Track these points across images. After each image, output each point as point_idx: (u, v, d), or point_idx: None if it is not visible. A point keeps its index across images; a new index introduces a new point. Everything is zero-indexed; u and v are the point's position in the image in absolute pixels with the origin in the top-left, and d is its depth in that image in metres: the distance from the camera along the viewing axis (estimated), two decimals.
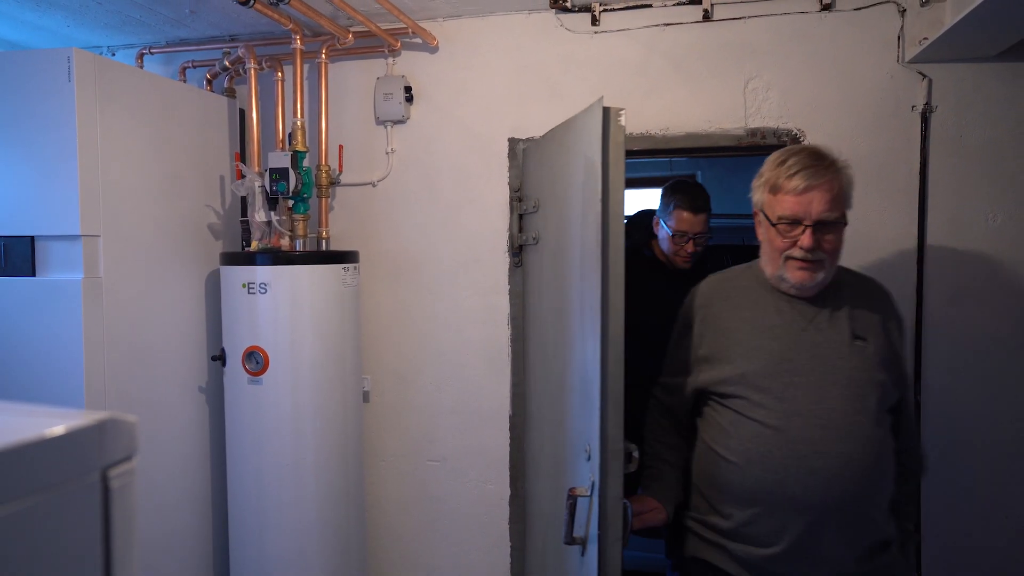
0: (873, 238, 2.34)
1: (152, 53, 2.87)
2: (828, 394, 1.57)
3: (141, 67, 2.86)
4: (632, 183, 6.48)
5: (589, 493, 1.68)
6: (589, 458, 1.70)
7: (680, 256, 2.64)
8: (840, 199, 1.58)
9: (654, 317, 2.49)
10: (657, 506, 1.77)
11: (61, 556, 0.70)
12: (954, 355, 2.33)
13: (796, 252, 1.58)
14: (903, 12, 2.29)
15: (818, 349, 1.60)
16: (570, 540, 1.72)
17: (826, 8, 2.35)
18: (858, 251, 2.26)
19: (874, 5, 2.32)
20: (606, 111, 1.61)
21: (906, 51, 2.30)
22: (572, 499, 1.71)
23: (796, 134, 2.39)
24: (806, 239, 1.56)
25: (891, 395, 1.63)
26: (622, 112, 1.62)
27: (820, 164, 1.57)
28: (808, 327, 1.62)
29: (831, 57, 2.37)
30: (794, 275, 1.61)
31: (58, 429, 0.70)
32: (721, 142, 2.45)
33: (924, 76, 2.30)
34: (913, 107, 2.31)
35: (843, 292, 1.67)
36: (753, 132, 2.42)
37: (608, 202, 1.63)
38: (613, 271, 1.63)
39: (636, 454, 1.71)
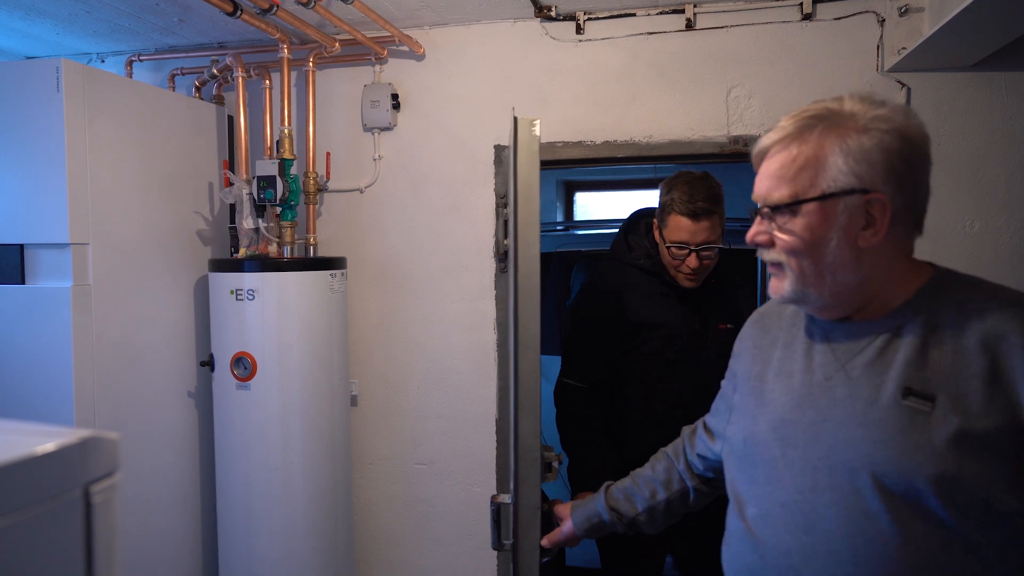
0: None
1: (141, 60, 2.89)
2: (828, 481, 1.02)
3: (130, 74, 2.87)
4: (619, 185, 6.54)
5: (510, 500, 1.66)
6: None
7: (683, 274, 2.09)
8: (801, 169, 1.01)
9: (658, 333, 2.11)
10: (565, 518, 1.64)
11: (45, 569, 0.73)
12: None
13: None
14: (882, 22, 2.33)
15: (834, 409, 1.04)
16: (498, 546, 1.71)
17: (807, 18, 2.39)
18: None
19: (854, 15, 2.35)
20: (516, 120, 1.61)
21: (885, 60, 2.34)
22: (495, 506, 1.71)
23: None
24: (751, 229, 1.10)
25: (979, 493, 0.94)
26: (536, 122, 1.60)
27: (792, 118, 1.05)
28: (837, 373, 1.06)
29: (812, 66, 2.40)
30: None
31: (42, 448, 0.73)
32: (704, 149, 2.48)
33: (903, 85, 2.34)
34: None
35: (925, 321, 1.02)
36: (735, 139, 2.45)
37: (518, 211, 1.61)
38: (524, 280, 1.61)
39: (556, 464, 1.68)
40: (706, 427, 1.42)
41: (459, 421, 2.75)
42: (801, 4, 2.38)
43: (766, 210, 1.06)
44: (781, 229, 1.04)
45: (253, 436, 2.41)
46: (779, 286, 1.08)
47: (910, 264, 1.08)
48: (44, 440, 0.75)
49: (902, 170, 1.00)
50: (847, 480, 1.00)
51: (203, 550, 2.70)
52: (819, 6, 2.38)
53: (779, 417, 1.10)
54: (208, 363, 2.48)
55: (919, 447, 0.95)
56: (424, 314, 2.76)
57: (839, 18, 2.37)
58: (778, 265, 1.08)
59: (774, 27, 2.42)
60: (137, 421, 2.39)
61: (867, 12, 2.34)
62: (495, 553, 2.74)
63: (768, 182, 1.05)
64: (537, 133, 1.59)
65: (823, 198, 1.00)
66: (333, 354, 2.53)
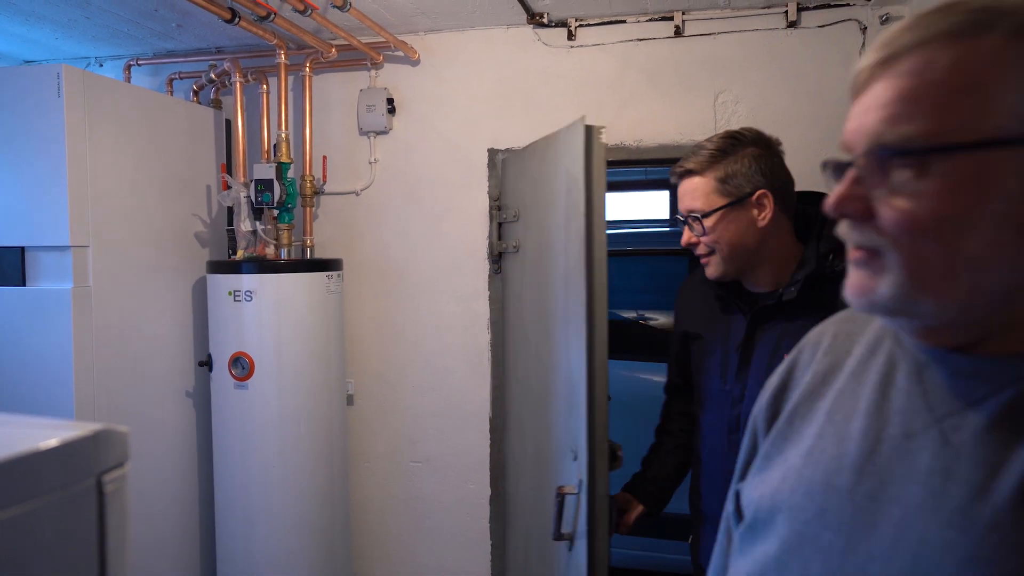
0: None
1: (140, 64, 2.93)
2: None
3: (129, 78, 2.92)
4: (610, 187, 6.58)
5: (577, 491, 1.73)
6: (576, 458, 1.77)
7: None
8: (955, 93, 0.60)
9: (696, 346, 1.72)
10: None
11: (60, 556, 0.78)
12: None
13: None
14: (864, 29, 2.39)
15: (911, 486, 0.64)
16: (558, 536, 1.77)
17: (792, 25, 2.44)
18: None
19: (837, 23, 2.41)
20: (588, 128, 1.69)
21: None
22: (560, 497, 1.77)
23: None
24: (834, 192, 0.70)
25: None
26: (603, 129, 1.68)
27: (937, 13, 0.62)
28: (926, 430, 0.66)
29: (797, 72, 2.46)
30: None
31: (58, 439, 0.77)
32: None
33: None
34: None
35: None
36: None
37: (592, 214, 1.69)
38: (597, 280, 1.68)
39: (620, 453, 1.77)
40: (737, 498, 0.86)
41: (454, 420, 2.80)
42: (786, 12, 2.43)
43: (864, 162, 0.63)
44: (896, 192, 0.61)
45: (251, 435, 2.46)
46: (868, 285, 0.65)
47: None
48: (59, 433, 0.79)
49: None
50: None
51: (201, 548, 2.73)
52: (804, 14, 2.43)
53: (821, 478, 0.70)
54: (206, 363, 2.52)
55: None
56: (419, 314, 2.81)
57: (823, 26, 2.43)
58: (872, 252, 0.65)
59: (760, 34, 2.48)
60: (136, 420, 2.43)
61: (850, 20, 2.40)
62: (489, 549, 2.79)
63: (879, 112, 0.62)
64: (604, 140, 1.68)
65: (985, 146, 0.58)
66: (330, 354, 2.58)
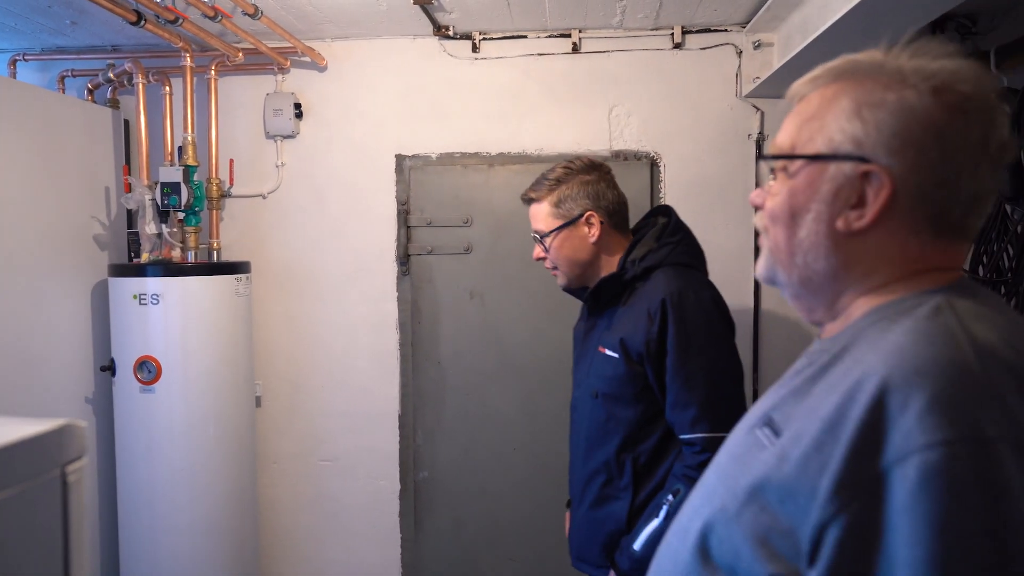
0: (718, 248, 2.68)
1: (26, 60, 2.82)
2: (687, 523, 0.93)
3: (14, 74, 2.80)
4: None
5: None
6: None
7: None
8: (808, 120, 0.85)
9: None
10: None
11: (29, 543, 0.83)
12: (786, 343, 2.72)
13: None
14: (740, 53, 2.66)
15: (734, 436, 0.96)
16: None
17: (677, 47, 2.68)
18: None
19: (716, 46, 2.67)
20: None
21: (743, 87, 2.67)
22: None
23: (654, 156, 2.70)
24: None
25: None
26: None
27: (835, 62, 0.88)
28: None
29: (682, 89, 2.70)
30: None
31: (28, 433, 0.83)
32: None
33: (757, 109, 2.67)
34: (749, 135, 2.67)
35: (844, 350, 0.83)
36: (617, 154, 2.71)
37: None
38: None
39: None
40: None
41: (362, 418, 2.86)
42: (672, 34, 2.66)
43: (768, 165, 0.89)
44: (771, 189, 0.87)
45: (158, 439, 2.44)
46: (758, 263, 0.93)
47: (919, 271, 0.80)
48: (27, 428, 0.85)
49: (927, 143, 0.76)
50: (688, 524, 0.84)
51: (102, 556, 2.67)
52: (688, 36, 2.67)
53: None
54: (109, 368, 2.47)
55: (730, 482, 0.80)
56: (328, 316, 2.86)
57: (704, 48, 2.68)
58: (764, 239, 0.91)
59: (649, 54, 2.70)
60: None
61: (727, 44, 2.66)
62: (399, 542, 2.87)
63: (781, 131, 0.87)
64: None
65: (812, 158, 0.81)
66: (239, 356, 2.59)
